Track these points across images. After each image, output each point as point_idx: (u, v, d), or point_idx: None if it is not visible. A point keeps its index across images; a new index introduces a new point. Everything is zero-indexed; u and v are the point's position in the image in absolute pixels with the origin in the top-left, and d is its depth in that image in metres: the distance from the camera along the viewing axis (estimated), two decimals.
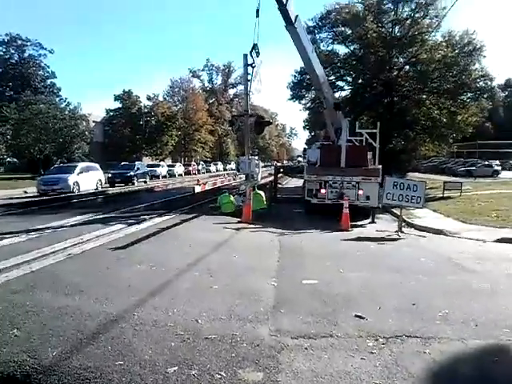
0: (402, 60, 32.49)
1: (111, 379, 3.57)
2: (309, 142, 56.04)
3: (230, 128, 66.89)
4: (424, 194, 11.95)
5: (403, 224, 12.72)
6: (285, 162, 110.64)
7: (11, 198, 23.12)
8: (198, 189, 14.86)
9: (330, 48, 34.39)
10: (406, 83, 31.70)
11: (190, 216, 14.29)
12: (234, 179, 21.54)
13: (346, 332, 4.63)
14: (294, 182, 31.21)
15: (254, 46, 13.56)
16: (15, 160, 48.26)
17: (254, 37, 13.44)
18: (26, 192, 27.31)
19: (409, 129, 32.34)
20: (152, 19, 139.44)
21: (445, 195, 20.06)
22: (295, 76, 35.10)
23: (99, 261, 7.85)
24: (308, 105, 37.14)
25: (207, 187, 15.84)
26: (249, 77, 13.72)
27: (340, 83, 35.15)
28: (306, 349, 4.24)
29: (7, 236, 10.22)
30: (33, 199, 22.83)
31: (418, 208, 12.75)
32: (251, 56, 13.60)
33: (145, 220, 13.10)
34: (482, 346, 4.31)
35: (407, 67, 32.77)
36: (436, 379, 3.71)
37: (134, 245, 9.31)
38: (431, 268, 7.63)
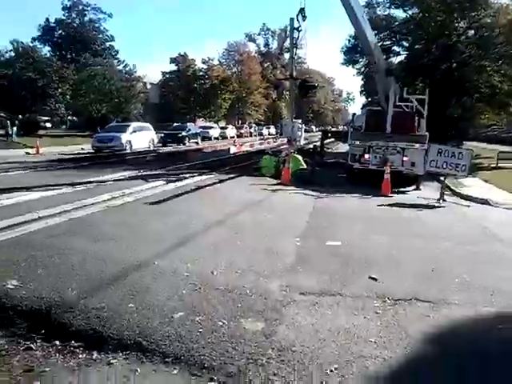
0: (462, 25, 30.50)
1: (121, 319, 3.81)
2: (364, 108, 54.56)
3: (276, 91, 66.18)
4: (470, 163, 11.43)
5: (448, 192, 12.34)
6: (340, 127, 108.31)
7: (68, 154, 24.27)
8: (233, 149, 14.99)
9: (386, 12, 32.83)
10: (466, 49, 29.88)
11: (230, 176, 14.47)
12: (274, 142, 21.41)
13: (356, 292, 4.65)
14: (345, 148, 30.69)
15: (301, 10, 13.36)
16: (75, 119, 50.21)
17: (300, 0, 13.25)
18: (82, 149, 28.61)
19: (467, 96, 30.69)
20: None
21: (499, 165, 19.12)
22: (349, 40, 33.99)
23: (134, 213, 8.21)
24: (362, 70, 35.99)
25: (244, 148, 15.88)
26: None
27: (396, 48, 33.80)
28: (312, 305, 4.31)
29: (56, 188, 10.78)
30: (87, 155, 23.90)
31: (462, 176, 12.26)
32: (297, 20, 13.39)
33: (185, 178, 13.40)
34: (492, 314, 4.21)
35: (468, 32, 30.79)
36: (431, 341, 3.68)
37: (169, 200, 9.61)
38: (463, 236, 7.41)
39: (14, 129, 31.58)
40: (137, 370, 3.14)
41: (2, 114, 37.61)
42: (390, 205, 10.36)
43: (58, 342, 3.54)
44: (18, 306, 4.02)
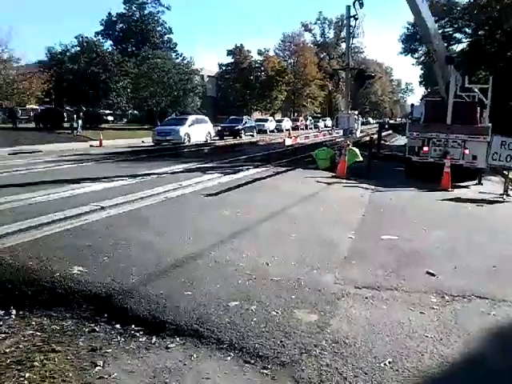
0: None
1: (178, 306, 3.95)
2: (424, 99, 52.71)
3: (331, 81, 65.17)
4: None
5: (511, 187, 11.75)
6: (398, 119, 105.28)
7: (129, 147, 25.16)
8: (288, 142, 14.95)
9: None
10: None
11: (285, 169, 14.43)
12: (330, 134, 21.11)
13: (413, 287, 4.57)
14: (403, 141, 29.93)
15: None
16: (136, 112, 51.79)
17: None
18: (143, 142, 29.58)
19: None
20: None
21: None
22: (408, 28, 33.01)
23: (190, 205, 8.40)
24: (421, 59, 34.78)
25: (299, 141, 15.81)
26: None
27: (457, 35, 32.40)
28: (366, 298, 4.28)
29: (118, 179, 11.25)
30: (147, 148, 24.68)
31: None
32: (354, 8, 13.15)
33: (241, 171, 13.52)
34: None
35: None
36: (490, 340, 3.56)
37: (225, 192, 9.73)
38: None
39: (80, 122, 33.01)
40: (192, 356, 3.25)
41: (69, 108, 39.49)
42: (449, 199, 10.01)
43: (119, 326, 3.73)
44: (83, 290, 4.24)
